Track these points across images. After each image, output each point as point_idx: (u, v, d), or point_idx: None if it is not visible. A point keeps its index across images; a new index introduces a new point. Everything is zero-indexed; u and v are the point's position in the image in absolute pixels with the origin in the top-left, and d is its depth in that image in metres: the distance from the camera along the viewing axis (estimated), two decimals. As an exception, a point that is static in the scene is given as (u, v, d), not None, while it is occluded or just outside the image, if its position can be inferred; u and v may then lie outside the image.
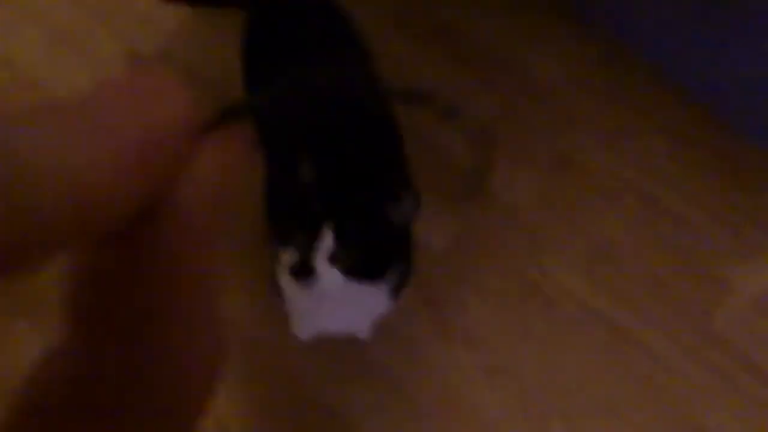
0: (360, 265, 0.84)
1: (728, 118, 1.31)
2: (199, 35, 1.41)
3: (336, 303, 0.87)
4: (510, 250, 1.28)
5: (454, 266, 1.27)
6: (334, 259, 0.84)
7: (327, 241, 0.81)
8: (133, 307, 0.31)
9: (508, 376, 1.21)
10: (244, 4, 1.02)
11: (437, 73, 1.39)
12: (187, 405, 0.33)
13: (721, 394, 1.25)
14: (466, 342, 1.23)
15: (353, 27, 1.03)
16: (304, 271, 0.83)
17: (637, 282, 1.29)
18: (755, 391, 1.25)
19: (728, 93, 1.27)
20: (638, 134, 1.37)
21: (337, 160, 0.87)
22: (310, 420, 1.20)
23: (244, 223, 1.21)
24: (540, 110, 1.38)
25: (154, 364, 0.32)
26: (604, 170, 1.34)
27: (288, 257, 0.81)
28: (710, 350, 1.27)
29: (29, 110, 0.26)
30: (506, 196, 1.31)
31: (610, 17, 1.35)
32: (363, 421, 1.20)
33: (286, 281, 0.85)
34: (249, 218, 1.16)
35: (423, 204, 1.05)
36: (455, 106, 0.45)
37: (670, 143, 1.36)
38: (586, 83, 1.40)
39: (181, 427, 0.33)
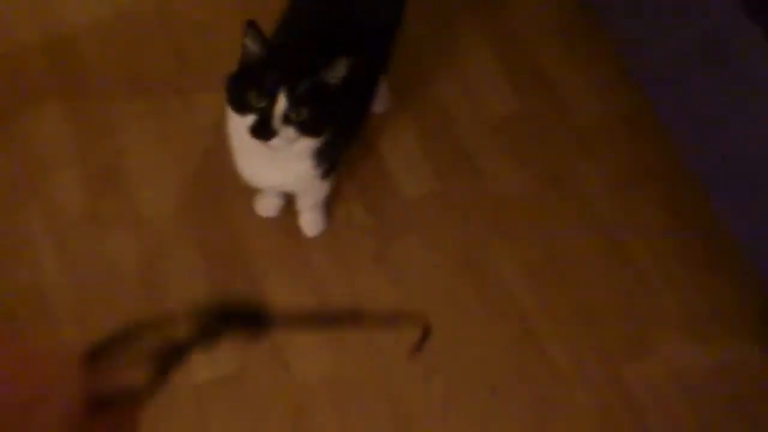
0: (307, 122, 1.03)
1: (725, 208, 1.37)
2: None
3: (271, 158, 1.08)
4: (475, 222, 1.42)
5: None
6: (288, 119, 1.03)
7: (281, 104, 1.01)
8: None
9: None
10: None
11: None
12: None
13: (597, 429, 1.30)
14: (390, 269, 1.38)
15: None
16: (264, 131, 1.03)
17: (572, 302, 1.37)
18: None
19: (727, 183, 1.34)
20: (640, 187, 1.48)
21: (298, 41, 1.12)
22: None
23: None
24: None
25: None
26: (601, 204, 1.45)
27: (248, 120, 1.02)
28: (608, 391, 1.32)
29: None
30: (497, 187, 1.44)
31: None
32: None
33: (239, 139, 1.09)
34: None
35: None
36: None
37: (664, 211, 1.45)
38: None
39: None
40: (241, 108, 1.03)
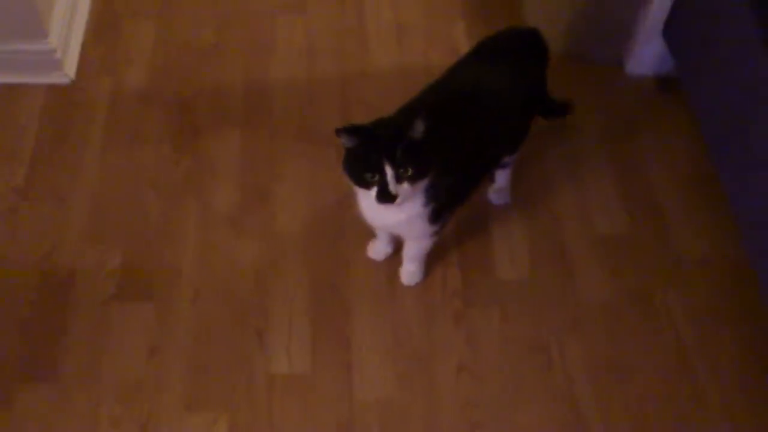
0: (415, 175, 1.25)
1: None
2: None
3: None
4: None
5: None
6: (399, 179, 1.25)
7: (390, 172, 1.25)
8: None
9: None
10: None
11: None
12: None
13: None
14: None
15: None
16: (386, 197, 1.27)
17: (629, 406, 1.43)
18: None
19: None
20: (725, 325, 1.53)
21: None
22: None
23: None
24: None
25: None
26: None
27: (372, 192, 1.28)
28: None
29: None
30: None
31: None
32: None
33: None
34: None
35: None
36: None
37: (743, 351, 1.50)
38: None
39: None
40: (362, 184, 1.29)
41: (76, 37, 1.88)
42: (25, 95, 1.79)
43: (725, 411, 1.44)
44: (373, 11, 2.00)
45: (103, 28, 1.93)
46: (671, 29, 1.77)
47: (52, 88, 1.80)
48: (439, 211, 1.40)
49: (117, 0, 1.99)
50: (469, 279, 1.58)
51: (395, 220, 1.40)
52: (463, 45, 1.91)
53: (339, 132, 1.26)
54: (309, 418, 1.41)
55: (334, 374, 1.46)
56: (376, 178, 1.25)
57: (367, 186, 1.27)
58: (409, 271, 1.57)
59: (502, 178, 1.66)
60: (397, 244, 1.56)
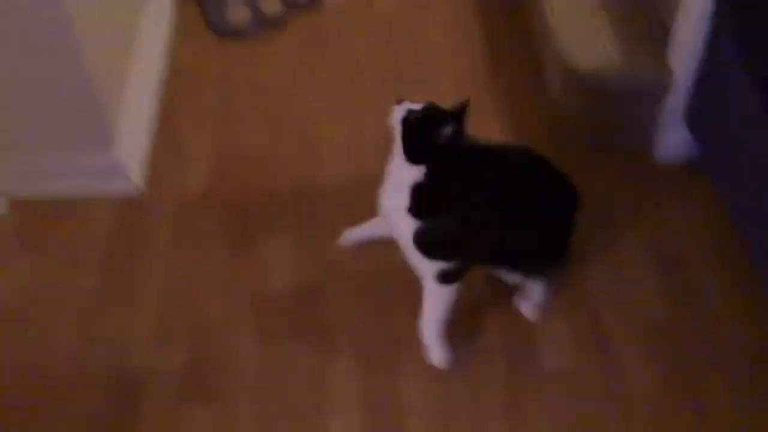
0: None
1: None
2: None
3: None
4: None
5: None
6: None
7: None
8: None
9: None
10: None
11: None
12: None
13: None
14: None
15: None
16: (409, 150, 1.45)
17: None
18: None
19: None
20: None
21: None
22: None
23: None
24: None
25: None
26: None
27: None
28: None
29: None
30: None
31: None
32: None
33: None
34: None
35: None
36: None
37: None
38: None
39: None
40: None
41: (142, 148, 2.04)
42: (92, 206, 1.94)
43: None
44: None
45: (166, 139, 2.09)
46: (693, 117, 1.87)
47: (119, 198, 1.95)
48: (431, 248, 1.50)
49: (178, 111, 2.16)
50: (514, 368, 1.65)
51: (387, 201, 1.53)
52: (498, 138, 2.03)
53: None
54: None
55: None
56: None
57: None
58: (436, 354, 1.63)
59: (534, 291, 1.68)
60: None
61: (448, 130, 1.42)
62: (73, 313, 1.75)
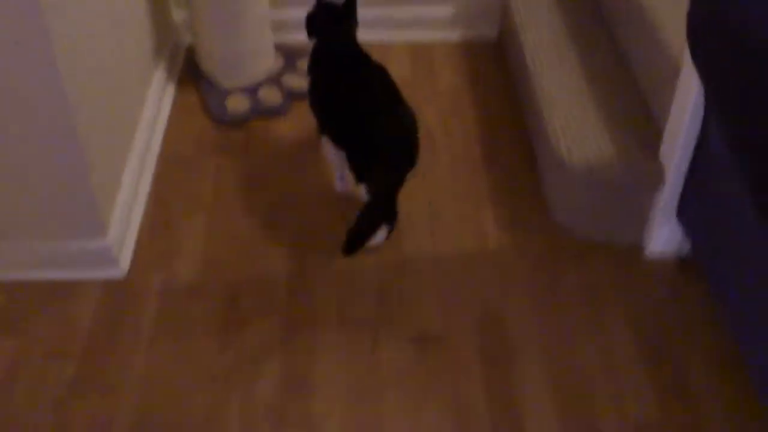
0: None
1: None
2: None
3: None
4: None
5: None
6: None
7: None
8: None
9: None
10: None
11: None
12: None
13: None
14: None
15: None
16: None
17: None
18: None
19: None
20: None
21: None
22: None
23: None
24: None
25: None
26: None
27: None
28: None
29: None
30: None
31: None
32: None
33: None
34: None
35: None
36: None
37: None
38: None
39: None
40: None
41: (132, 233, 2.04)
42: (78, 290, 1.92)
43: None
44: (407, 197, 2.12)
45: (157, 224, 2.09)
46: (684, 212, 1.86)
47: (105, 283, 1.94)
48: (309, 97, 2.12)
49: (171, 197, 2.16)
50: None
51: None
52: (493, 231, 2.04)
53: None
54: None
55: None
56: None
57: None
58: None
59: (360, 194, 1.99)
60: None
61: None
62: (49, 401, 1.70)
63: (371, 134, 1.92)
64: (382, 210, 1.95)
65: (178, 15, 2.69)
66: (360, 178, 1.95)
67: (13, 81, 1.64)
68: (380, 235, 1.97)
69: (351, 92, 1.98)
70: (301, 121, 2.40)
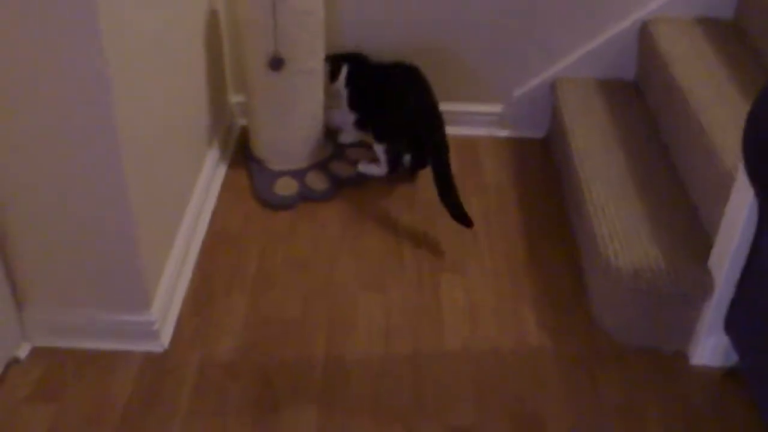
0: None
1: None
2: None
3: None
4: None
5: None
6: None
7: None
8: None
9: None
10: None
11: None
12: None
13: None
14: None
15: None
16: None
17: None
18: None
19: None
20: None
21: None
22: None
23: None
24: None
25: None
26: None
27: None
28: None
29: None
30: None
31: None
32: None
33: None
34: None
35: None
36: None
37: None
38: None
39: None
40: None
41: (174, 309, 2.05)
42: (119, 361, 1.93)
43: None
44: (448, 293, 2.14)
45: (199, 301, 2.10)
46: (732, 324, 1.84)
47: (145, 356, 1.94)
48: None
49: (215, 275, 2.18)
50: None
51: None
52: (533, 330, 2.02)
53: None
54: None
55: None
56: None
57: None
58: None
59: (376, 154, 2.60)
60: None
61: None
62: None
63: (397, 110, 2.48)
64: (445, 178, 2.33)
65: (234, 98, 2.77)
66: (381, 138, 2.56)
67: (71, 154, 1.68)
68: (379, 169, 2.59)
69: (379, 86, 2.56)
70: (346, 207, 2.44)
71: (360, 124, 2.67)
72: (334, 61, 2.60)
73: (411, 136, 2.50)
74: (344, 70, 2.58)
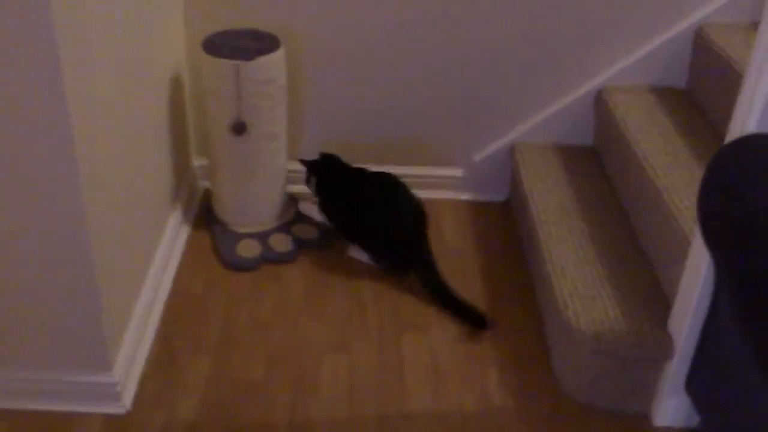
0: None
1: None
2: None
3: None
4: None
5: None
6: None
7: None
8: None
9: None
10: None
11: None
12: None
13: None
14: None
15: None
16: None
17: None
18: None
19: None
20: None
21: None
22: None
23: None
24: None
25: None
26: None
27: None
28: None
29: None
30: None
31: None
32: None
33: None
34: None
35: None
36: None
37: None
38: None
39: None
40: None
41: (137, 370, 2.02)
42: (79, 423, 1.89)
43: None
44: (412, 353, 2.14)
45: (162, 362, 2.08)
46: (693, 384, 1.86)
47: (106, 418, 1.90)
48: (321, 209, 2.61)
49: (178, 335, 2.16)
50: None
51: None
52: (496, 391, 2.03)
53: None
54: None
55: None
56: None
57: None
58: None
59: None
60: None
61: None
62: None
63: (375, 226, 2.43)
64: (445, 296, 2.33)
65: (197, 161, 2.79)
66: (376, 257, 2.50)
67: (32, 215, 1.68)
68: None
69: (352, 197, 2.50)
70: (309, 269, 2.44)
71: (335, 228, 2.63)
72: (306, 168, 2.60)
73: (390, 253, 2.46)
74: (314, 180, 2.57)
